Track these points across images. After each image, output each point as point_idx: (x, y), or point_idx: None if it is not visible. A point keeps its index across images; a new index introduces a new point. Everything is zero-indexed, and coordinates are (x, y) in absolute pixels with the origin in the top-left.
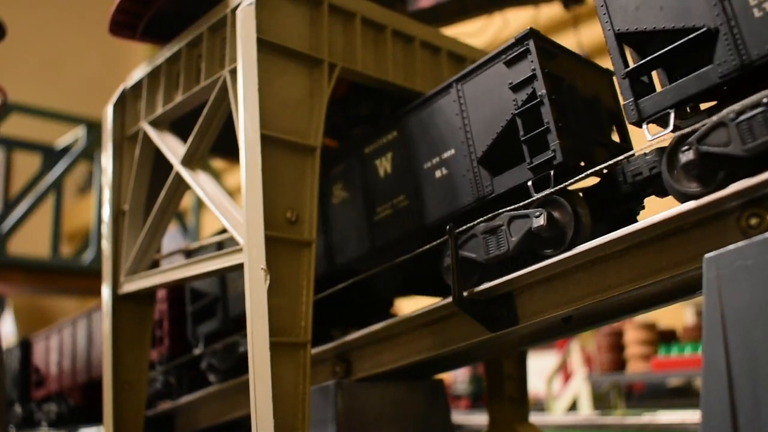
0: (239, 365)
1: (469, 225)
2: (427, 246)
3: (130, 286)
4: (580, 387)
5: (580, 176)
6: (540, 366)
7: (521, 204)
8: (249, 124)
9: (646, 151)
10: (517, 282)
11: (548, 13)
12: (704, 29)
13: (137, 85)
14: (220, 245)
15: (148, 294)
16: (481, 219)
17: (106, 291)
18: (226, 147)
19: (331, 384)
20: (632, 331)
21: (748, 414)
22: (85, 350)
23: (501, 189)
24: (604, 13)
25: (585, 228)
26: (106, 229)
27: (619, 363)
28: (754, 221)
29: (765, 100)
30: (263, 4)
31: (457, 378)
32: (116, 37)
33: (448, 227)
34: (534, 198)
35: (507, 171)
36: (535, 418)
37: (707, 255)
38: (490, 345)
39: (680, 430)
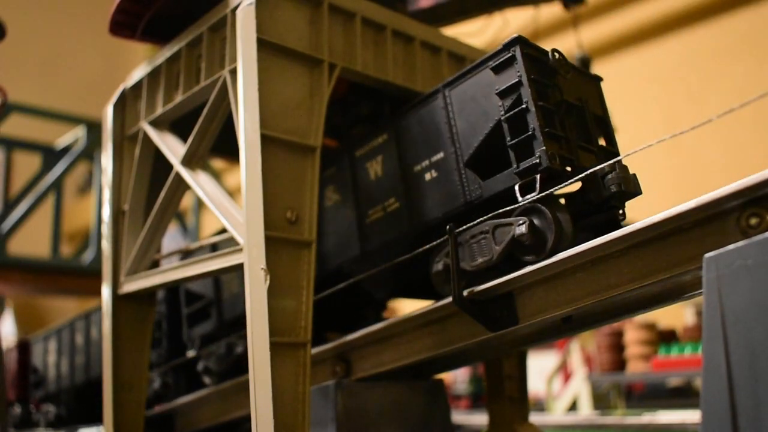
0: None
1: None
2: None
3: (130, 286)
4: (580, 387)
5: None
6: (540, 366)
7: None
8: (249, 124)
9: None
10: (517, 282)
11: (548, 13)
12: (211, 298)
13: (137, 85)
14: (214, 246)
15: (148, 294)
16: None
17: (106, 291)
18: (226, 147)
19: (331, 384)
20: (632, 331)
21: (748, 414)
22: None
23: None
24: None
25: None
26: (106, 229)
27: (619, 363)
28: (754, 221)
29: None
30: (263, 4)
31: (457, 378)
32: (116, 37)
33: (447, 227)
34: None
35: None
36: (535, 418)
37: (707, 255)
38: (490, 345)
39: (680, 430)
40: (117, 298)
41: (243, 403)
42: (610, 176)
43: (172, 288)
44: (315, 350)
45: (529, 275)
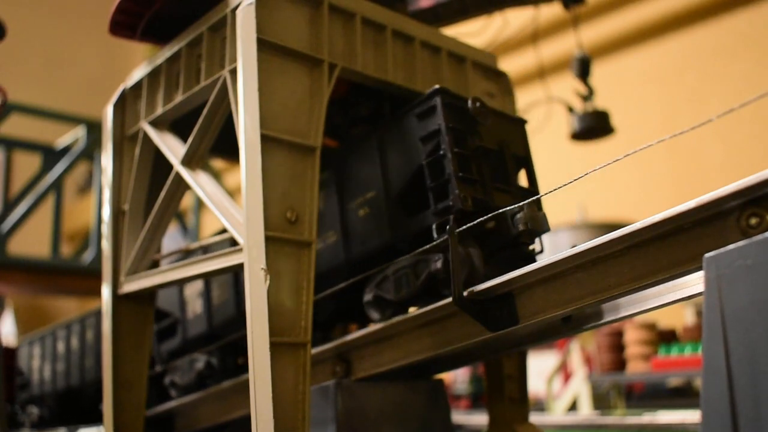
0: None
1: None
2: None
3: (130, 286)
4: (580, 387)
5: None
6: (540, 366)
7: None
8: (249, 124)
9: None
10: (516, 282)
11: (548, 13)
12: (177, 317)
13: (137, 85)
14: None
15: (148, 294)
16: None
17: (106, 291)
18: (226, 147)
19: (331, 384)
20: (632, 331)
21: (748, 414)
22: None
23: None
24: None
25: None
26: (106, 229)
27: (619, 363)
28: (754, 221)
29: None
30: (263, 4)
31: (457, 378)
32: (116, 37)
33: (447, 227)
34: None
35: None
36: (535, 418)
37: (707, 255)
38: (490, 345)
39: (680, 430)
40: (117, 298)
41: (243, 403)
42: (518, 215)
43: None
44: (315, 350)
45: (529, 275)
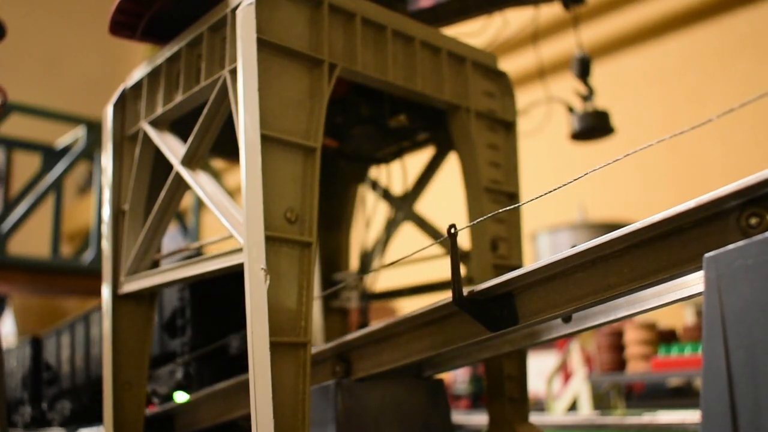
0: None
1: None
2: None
3: (130, 286)
4: (580, 387)
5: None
6: (540, 366)
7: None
8: (249, 124)
9: None
10: (516, 282)
11: (548, 13)
12: (56, 371)
13: (137, 85)
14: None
15: (149, 294)
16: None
17: (106, 291)
18: (226, 147)
19: (331, 384)
20: (632, 331)
21: (748, 414)
22: None
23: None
24: None
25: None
26: (106, 229)
27: (619, 363)
28: (754, 221)
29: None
30: (263, 4)
31: (457, 378)
32: (116, 37)
33: (448, 227)
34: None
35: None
36: (535, 418)
37: (707, 255)
38: (490, 345)
39: (680, 430)
40: (117, 298)
41: (243, 403)
42: (233, 344)
43: (35, 357)
44: (315, 350)
45: (529, 275)
